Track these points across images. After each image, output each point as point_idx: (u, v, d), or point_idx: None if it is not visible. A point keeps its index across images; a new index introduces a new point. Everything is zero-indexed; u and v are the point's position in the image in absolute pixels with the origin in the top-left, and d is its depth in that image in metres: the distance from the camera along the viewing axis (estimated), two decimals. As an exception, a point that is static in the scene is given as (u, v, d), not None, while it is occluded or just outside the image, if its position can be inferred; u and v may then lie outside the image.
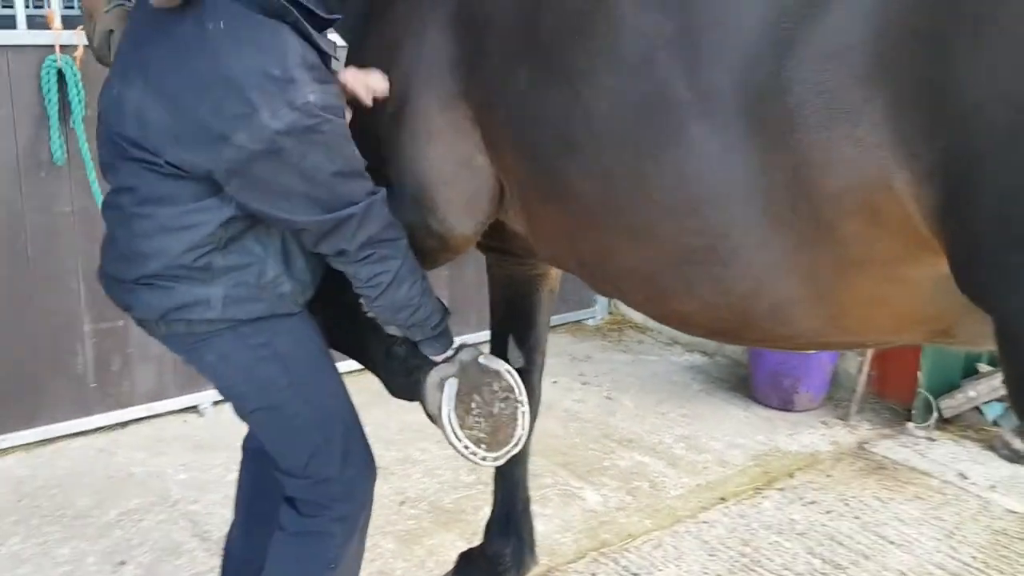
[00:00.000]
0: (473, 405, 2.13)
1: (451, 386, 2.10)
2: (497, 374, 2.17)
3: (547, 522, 3.38)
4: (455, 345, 2.19)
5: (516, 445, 2.17)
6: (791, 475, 3.83)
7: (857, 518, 3.48)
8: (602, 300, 5.52)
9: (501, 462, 2.20)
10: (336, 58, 1.93)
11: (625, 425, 4.26)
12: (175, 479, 3.64)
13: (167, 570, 3.08)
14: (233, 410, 2.15)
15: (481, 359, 2.17)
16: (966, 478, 3.77)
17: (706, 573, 3.12)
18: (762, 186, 1.44)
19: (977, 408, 4.15)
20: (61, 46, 3.49)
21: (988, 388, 4.10)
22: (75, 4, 3.63)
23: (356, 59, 2.16)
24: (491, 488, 2.83)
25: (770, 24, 1.38)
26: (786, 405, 4.39)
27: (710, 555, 3.22)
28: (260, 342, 2.01)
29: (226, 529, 2.48)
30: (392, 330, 2.17)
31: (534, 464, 3.78)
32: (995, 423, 4.10)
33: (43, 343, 3.75)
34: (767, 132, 1.40)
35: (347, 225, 1.87)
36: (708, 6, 1.46)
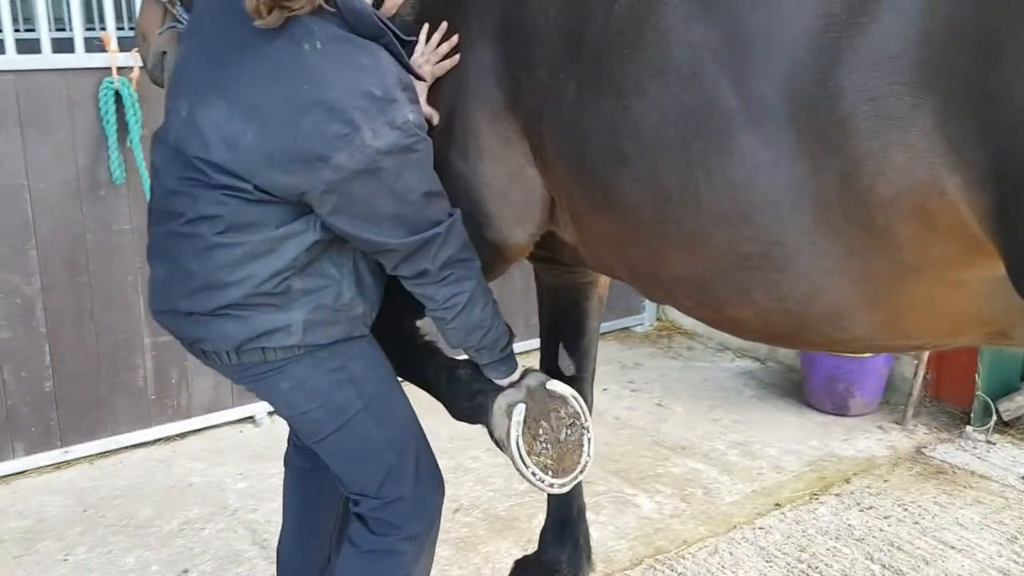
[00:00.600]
0: (540, 431, 2.13)
1: (519, 412, 2.09)
2: (564, 400, 2.17)
3: (601, 529, 3.38)
4: (520, 369, 2.19)
5: (582, 471, 2.17)
6: (847, 480, 3.78)
7: (916, 523, 3.43)
8: (650, 307, 5.50)
9: (567, 488, 2.19)
10: (423, 79, 1.94)
11: (677, 432, 4.24)
12: (233, 488, 3.72)
13: (228, 578, 3.15)
14: (302, 436, 2.14)
15: (548, 384, 2.16)
16: (1028, 482, 3.71)
17: (763, 580, 3.10)
18: (814, 192, 1.44)
19: (1038, 410, 4.07)
20: (117, 68, 3.59)
21: (1049, 390, 4.02)
22: (126, 26, 3.72)
23: None
24: (544, 496, 2.84)
25: (816, 33, 1.38)
26: (841, 410, 4.34)
27: (767, 561, 3.19)
28: (336, 366, 1.99)
29: (283, 538, 2.52)
30: (458, 353, 2.18)
31: (587, 472, 3.79)
32: (1057, 425, 4.02)
33: (104, 357, 3.85)
34: (817, 140, 1.40)
35: (431, 245, 1.87)
36: (754, 16, 1.46)
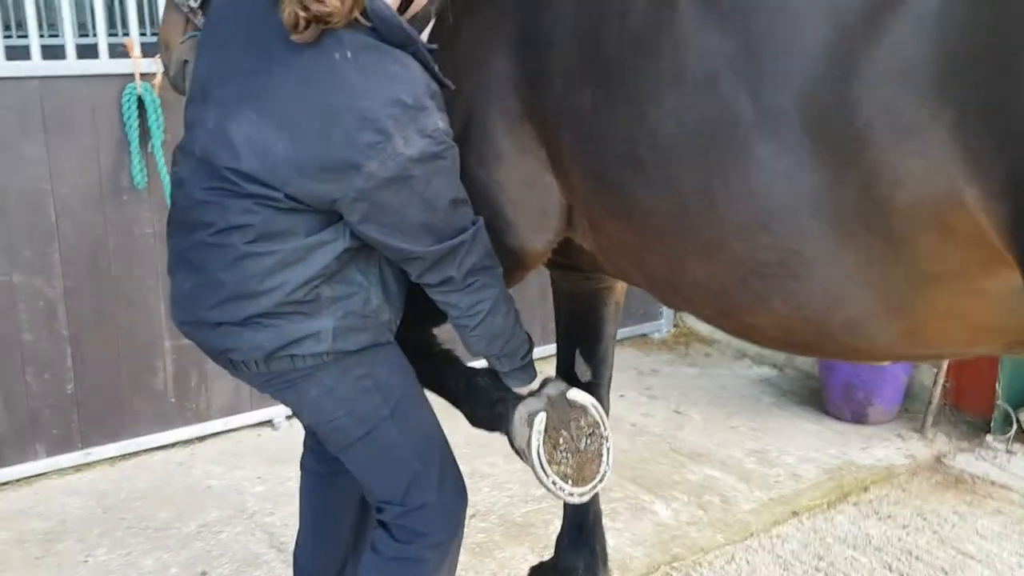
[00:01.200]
0: (560, 440, 2.14)
1: (540, 421, 2.09)
2: (584, 409, 2.17)
3: (618, 536, 3.37)
4: (540, 378, 2.20)
5: (601, 480, 2.18)
6: (866, 489, 3.77)
7: (935, 532, 3.41)
8: (668, 313, 5.50)
9: (587, 498, 2.20)
10: (451, 86, 1.95)
11: (694, 439, 4.23)
12: (251, 491, 3.74)
13: (246, 581, 3.17)
14: (327, 444, 2.14)
15: (569, 393, 2.16)
16: (1049, 492, 3.68)
17: (780, 588, 3.09)
18: (832, 202, 1.44)
19: (1059, 420, 4.04)
20: (140, 74, 3.62)
21: (1071, 399, 3.99)
22: (149, 31, 3.75)
23: None
24: (560, 502, 2.84)
25: (832, 44, 1.38)
26: (859, 418, 4.32)
27: (784, 569, 3.18)
28: (363, 372, 2.00)
29: (302, 541, 2.53)
30: (478, 362, 2.19)
31: (606, 481, 3.79)
32: (1079, 435, 3.99)
33: (125, 360, 3.88)
34: (835, 150, 1.41)
35: (457, 252, 1.88)
36: (769, 26, 1.46)
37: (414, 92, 1.76)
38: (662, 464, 3.99)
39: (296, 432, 3.77)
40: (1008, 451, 4.00)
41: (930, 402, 4.21)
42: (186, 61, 2.43)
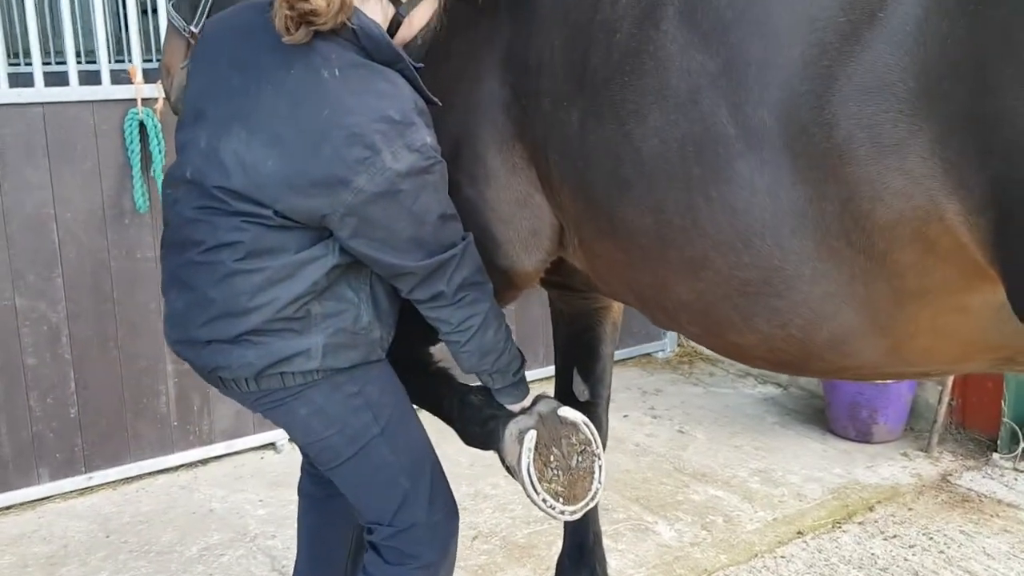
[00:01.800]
0: (551, 458, 2.13)
1: (531, 439, 2.08)
2: (575, 427, 2.16)
3: (620, 557, 3.35)
4: (532, 395, 2.19)
5: (593, 499, 2.17)
6: (871, 508, 3.73)
7: (942, 552, 3.38)
8: (671, 332, 5.49)
9: (578, 516, 2.19)
10: (438, 103, 1.97)
11: (698, 459, 4.21)
12: (253, 515, 3.74)
13: (246, 605, 3.16)
14: (317, 463, 2.13)
15: (560, 411, 2.15)
16: (1057, 511, 3.64)
17: (782, 609, 3.06)
18: (813, 218, 1.44)
19: (1067, 437, 4.00)
20: (142, 99, 3.66)
21: (1078, 416, 3.95)
22: (154, 58, 3.80)
23: None
24: (563, 524, 2.83)
25: (811, 60, 1.39)
26: (864, 437, 4.29)
27: (786, 591, 3.16)
28: (354, 391, 2.00)
29: (301, 565, 2.53)
30: (467, 377, 2.19)
31: (606, 498, 3.78)
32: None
33: (128, 384, 3.90)
34: (815, 166, 1.41)
35: (447, 267, 1.89)
36: (750, 44, 1.47)
37: (402, 108, 1.78)
38: (665, 484, 3.97)
39: (298, 455, 3.76)
40: (1015, 469, 3.97)
41: (935, 420, 4.18)
42: (187, 86, 2.45)
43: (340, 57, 1.78)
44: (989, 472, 3.98)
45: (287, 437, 4.20)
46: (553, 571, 2.85)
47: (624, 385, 5.06)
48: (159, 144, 3.69)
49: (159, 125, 3.68)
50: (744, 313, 1.62)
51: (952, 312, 1.45)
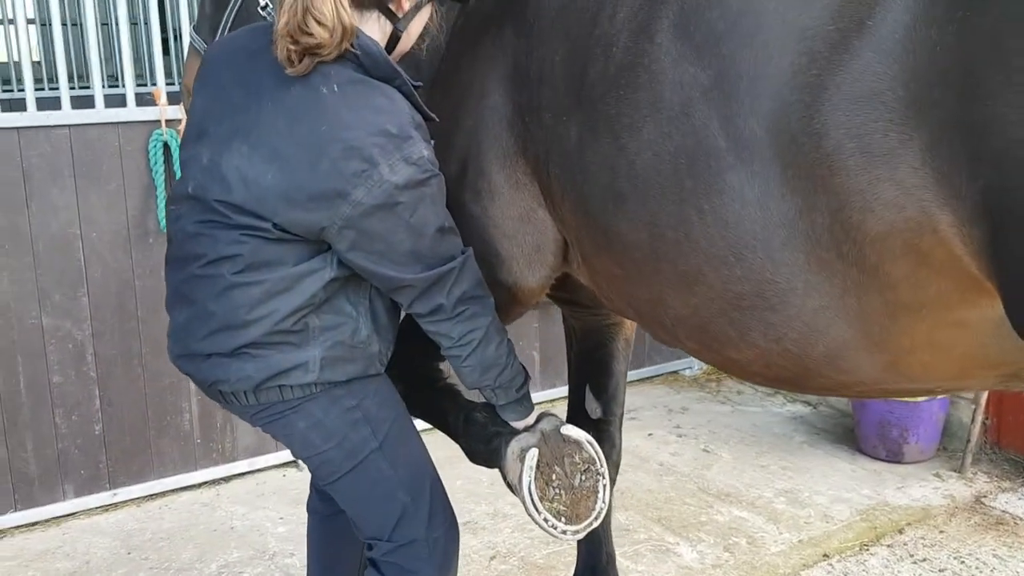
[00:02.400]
0: (554, 477, 2.11)
1: (532, 457, 2.07)
2: (579, 445, 2.14)
3: (638, 578, 3.30)
4: (536, 413, 2.18)
5: (596, 519, 2.13)
6: (900, 531, 3.64)
7: (972, 577, 3.28)
8: (701, 350, 5.41)
9: (580, 536, 2.16)
10: (435, 119, 1.99)
11: (723, 479, 4.14)
12: (273, 532, 3.74)
13: (262, 623, 3.16)
14: (316, 477, 2.13)
15: (563, 429, 2.14)
16: (1095, 534, 3.52)
17: (804, 634, 2.99)
18: (803, 230, 1.41)
19: (1106, 458, 3.87)
20: (166, 120, 3.72)
21: (1117, 436, 3.82)
22: (176, 80, 3.85)
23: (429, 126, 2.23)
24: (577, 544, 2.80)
25: (800, 70, 1.36)
26: (895, 457, 4.19)
27: (809, 615, 3.08)
28: (352, 404, 2.01)
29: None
30: (474, 395, 2.17)
31: (628, 519, 3.73)
32: None
33: (152, 401, 3.94)
34: (805, 177, 1.38)
35: (446, 280, 1.90)
36: (741, 55, 1.45)
37: (399, 122, 1.80)
38: (689, 504, 3.91)
39: (318, 472, 3.78)
40: (1052, 491, 3.85)
41: (969, 440, 4.08)
42: (191, 106, 2.49)
43: (339, 74, 1.81)
44: (1024, 494, 3.87)
45: (309, 455, 4.20)
46: (569, 592, 2.82)
47: (650, 403, 5.00)
48: (182, 164, 3.72)
49: (182, 145, 3.72)
50: (740, 328, 1.59)
51: (949, 327, 1.40)
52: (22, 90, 3.64)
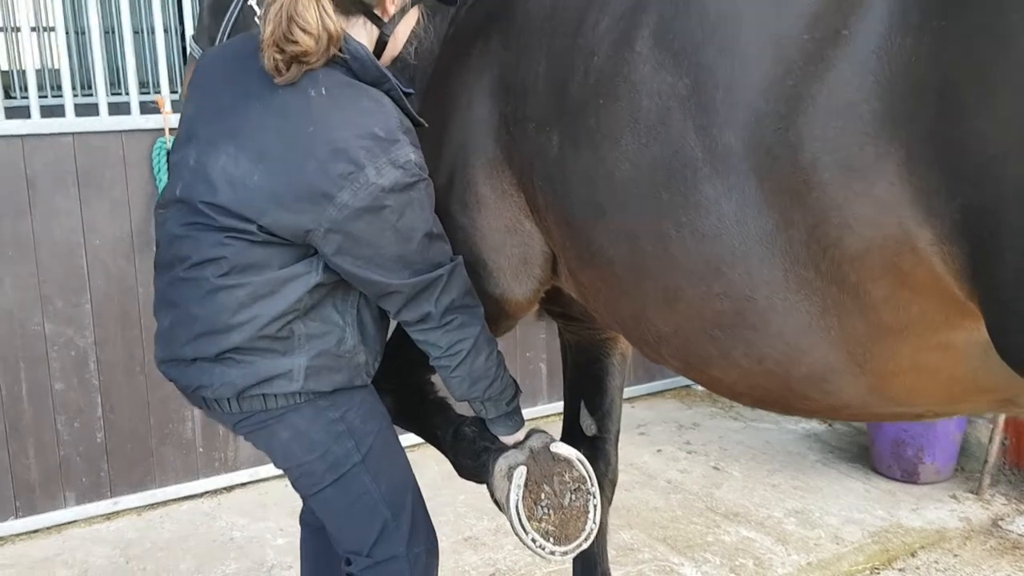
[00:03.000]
0: (542, 495, 2.05)
1: (520, 475, 2.02)
2: (568, 463, 2.09)
3: (639, 599, 3.23)
4: (526, 428, 2.13)
5: (587, 539, 2.08)
6: (913, 554, 3.54)
7: (985, 603, 3.17)
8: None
9: (570, 557, 2.10)
10: (424, 124, 1.98)
11: (732, 498, 4.05)
12: (272, 544, 3.70)
13: (254, 637, 3.11)
14: (296, 488, 2.10)
15: (553, 446, 2.09)
16: (1115, 561, 3.39)
17: (807, 660, 2.90)
18: (781, 246, 1.34)
19: None
20: (170, 129, 3.70)
21: None
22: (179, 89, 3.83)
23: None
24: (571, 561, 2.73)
25: (775, 81, 1.30)
26: (910, 477, 4.08)
27: (813, 640, 2.99)
28: (336, 416, 1.98)
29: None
30: (464, 408, 2.13)
31: (632, 538, 3.66)
32: None
33: (155, 409, 3.92)
34: (781, 191, 1.32)
35: (434, 287, 1.87)
36: (717, 64, 1.39)
37: (387, 125, 1.79)
38: (696, 524, 3.82)
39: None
40: (1072, 515, 3.73)
41: (987, 460, 3.96)
42: (183, 111, 2.47)
43: (327, 77, 1.81)
44: (1043, 517, 3.75)
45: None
46: (566, 612, 2.76)
47: (660, 418, 4.92)
48: (185, 172, 3.71)
49: (186, 153, 3.70)
50: (721, 346, 1.53)
51: (934, 349, 1.33)
52: (26, 97, 3.63)
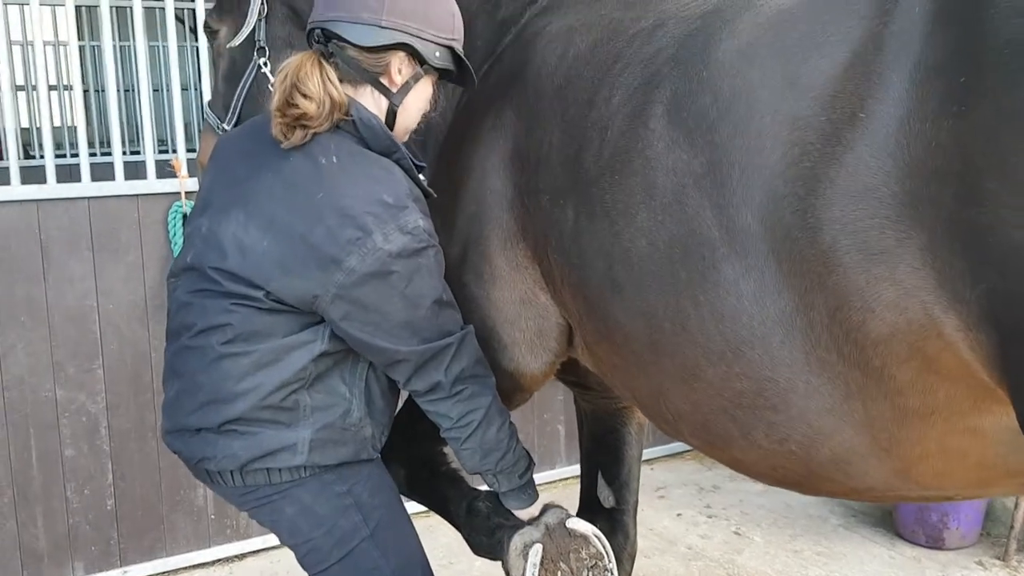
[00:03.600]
0: (559, 574, 2.01)
1: (536, 553, 1.97)
2: (585, 539, 2.04)
3: (659, 673, 3.13)
4: (541, 502, 2.08)
5: None
6: (941, 624, 3.43)
7: None
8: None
9: None
10: (434, 195, 1.98)
11: (754, 564, 3.95)
12: (283, 614, 3.63)
13: None
14: (304, 566, 2.04)
15: (569, 522, 2.04)
16: None
17: None
18: (802, 328, 1.31)
19: None
20: (186, 192, 3.72)
21: None
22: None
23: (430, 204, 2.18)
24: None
25: (792, 162, 1.28)
26: (935, 543, 3.97)
27: None
28: (343, 490, 1.94)
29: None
30: (478, 480, 2.09)
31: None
32: None
33: (166, 475, 3.87)
34: (801, 272, 1.29)
35: (444, 355, 1.85)
36: (733, 143, 1.37)
37: (395, 192, 1.80)
38: (717, 592, 3.73)
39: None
40: (1105, 583, 3.61)
41: (1013, 526, 3.86)
42: (200, 184, 2.47)
43: (339, 146, 1.83)
44: (1075, 586, 3.63)
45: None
46: None
47: (680, 480, 4.84)
48: (199, 236, 3.71)
49: (200, 218, 3.71)
50: (742, 426, 1.49)
51: (962, 434, 1.28)
52: (43, 156, 3.64)
